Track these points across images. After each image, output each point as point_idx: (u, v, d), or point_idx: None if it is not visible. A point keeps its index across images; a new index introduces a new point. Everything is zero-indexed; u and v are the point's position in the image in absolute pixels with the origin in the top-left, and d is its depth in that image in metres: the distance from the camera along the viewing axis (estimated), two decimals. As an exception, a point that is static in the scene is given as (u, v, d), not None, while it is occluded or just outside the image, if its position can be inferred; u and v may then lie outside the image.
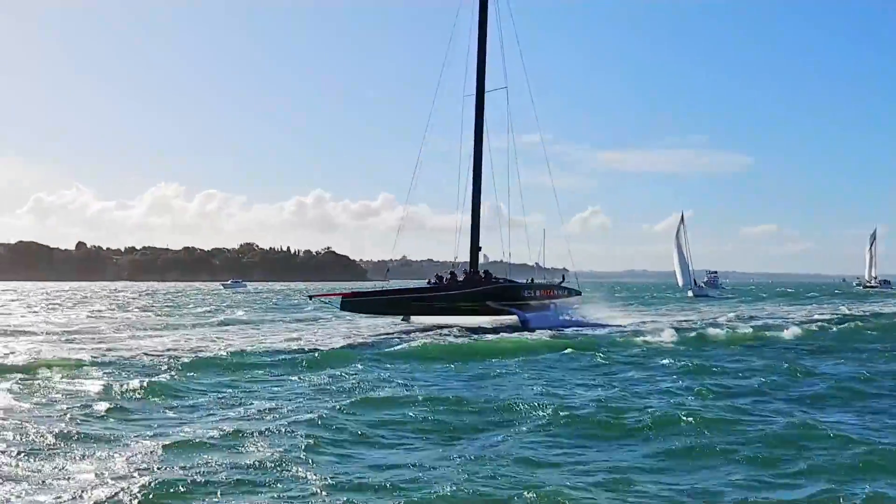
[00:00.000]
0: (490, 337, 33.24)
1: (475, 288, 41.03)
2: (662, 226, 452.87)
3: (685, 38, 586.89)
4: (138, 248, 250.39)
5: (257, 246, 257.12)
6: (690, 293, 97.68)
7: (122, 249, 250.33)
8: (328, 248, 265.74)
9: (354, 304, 39.19)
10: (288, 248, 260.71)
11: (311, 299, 41.66)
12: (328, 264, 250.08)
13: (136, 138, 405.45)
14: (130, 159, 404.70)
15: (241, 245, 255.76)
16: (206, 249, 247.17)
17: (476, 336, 33.80)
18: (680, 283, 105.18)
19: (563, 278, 49.05)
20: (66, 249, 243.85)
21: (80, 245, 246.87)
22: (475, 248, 43.40)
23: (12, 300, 77.36)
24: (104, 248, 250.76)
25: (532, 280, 46.77)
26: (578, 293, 47.83)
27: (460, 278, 41.97)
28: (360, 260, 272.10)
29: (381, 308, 40.27)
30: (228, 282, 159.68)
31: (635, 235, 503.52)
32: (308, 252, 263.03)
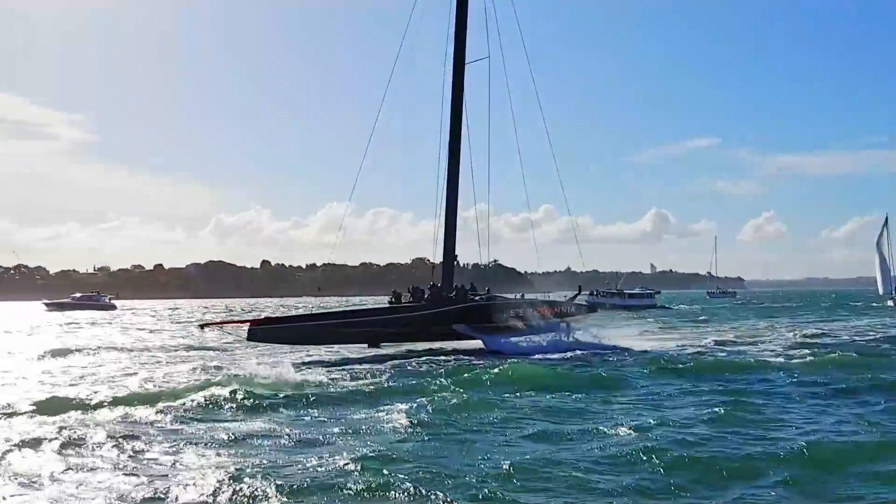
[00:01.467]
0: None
1: (434, 309, 33.12)
2: (844, 231, 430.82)
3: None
4: (318, 264, 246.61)
5: (428, 260, 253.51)
6: (891, 302, 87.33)
7: (304, 266, 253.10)
8: (495, 260, 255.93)
9: (267, 332, 30.91)
10: (457, 262, 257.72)
11: (203, 329, 34.84)
12: (496, 276, 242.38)
13: (308, 160, 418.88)
14: (303, 180, 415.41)
15: (412, 260, 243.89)
16: (381, 265, 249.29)
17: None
18: (881, 290, 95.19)
19: (580, 290, 41.34)
20: (251, 268, 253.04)
21: (265, 263, 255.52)
22: (449, 255, 36.04)
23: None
24: (286, 266, 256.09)
25: (522, 296, 38.47)
26: (593, 310, 42.28)
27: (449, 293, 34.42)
28: (526, 272, 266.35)
29: (304, 337, 31.51)
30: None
31: (814, 241, 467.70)
32: (476, 265, 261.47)
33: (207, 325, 34.40)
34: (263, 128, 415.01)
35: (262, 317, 33.44)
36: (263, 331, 30.71)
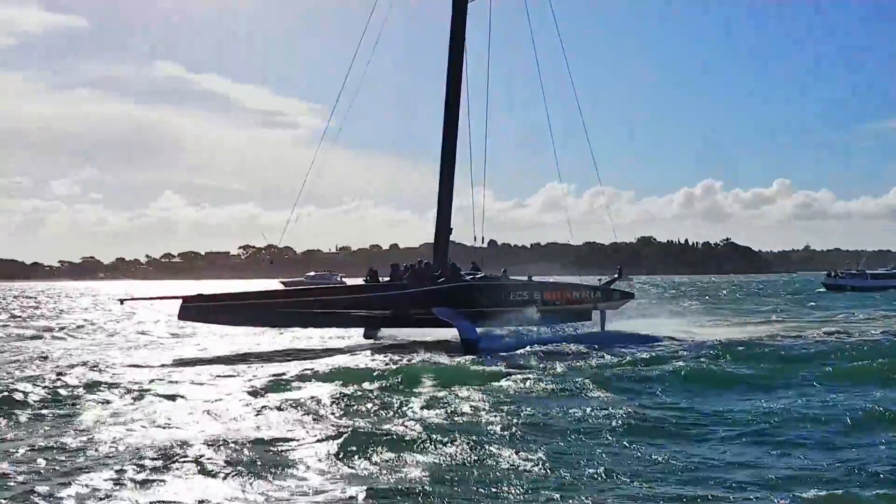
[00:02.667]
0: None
1: (409, 289, 27.67)
2: None
3: None
4: (542, 244, 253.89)
5: (654, 239, 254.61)
6: None
7: (528, 246, 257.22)
8: (727, 239, 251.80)
9: (201, 310, 26.39)
10: (686, 240, 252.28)
11: (122, 304, 33.55)
12: (727, 256, 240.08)
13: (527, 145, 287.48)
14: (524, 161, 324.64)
15: (637, 239, 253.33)
16: (604, 244, 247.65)
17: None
18: None
19: (620, 273, 33.80)
20: (480, 247, 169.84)
21: (492, 242, 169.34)
22: (443, 228, 30.08)
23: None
24: (511, 245, 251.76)
25: (529, 277, 31.78)
26: (630, 295, 33.86)
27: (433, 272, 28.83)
28: (761, 251, 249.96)
29: (246, 317, 26.97)
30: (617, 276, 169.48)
31: None
32: (707, 244, 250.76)
33: (128, 299, 30.94)
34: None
35: (195, 293, 27.83)
36: (198, 309, 26.40)
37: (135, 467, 10.28)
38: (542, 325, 29.25)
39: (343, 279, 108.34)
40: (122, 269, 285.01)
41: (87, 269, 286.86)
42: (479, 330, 27.24)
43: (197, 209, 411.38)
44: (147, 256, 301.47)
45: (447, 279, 28.27)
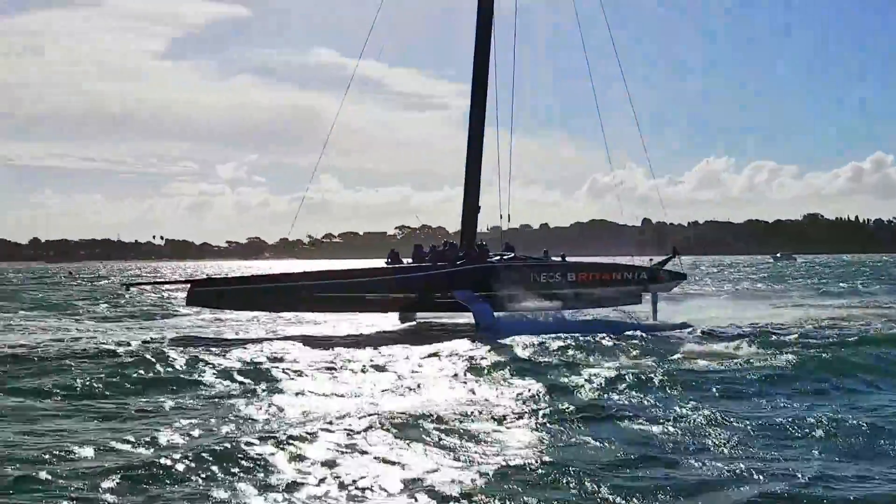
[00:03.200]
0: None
1: (430, 271, 26.44)
2: None
3: None
4: (701, 222, 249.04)
5: (821, 216, 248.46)
6: None
7: (686, 224, 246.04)
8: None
9: (211, 295, 26.12)
10: (856, 217, 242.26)
11: (127, 290, 30.70)
12: None
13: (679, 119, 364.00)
14: (679, 137, 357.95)
15: (804, 216, 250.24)
16: (768, 221, 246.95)
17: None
18: None
19: (675, 252, 29.70)
20: (632, 226, 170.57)
21: (646, 221, 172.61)
22: (471, 208, 28.47)
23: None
24: (667, 224, 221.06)
25: (563, 257, 28.97)
26: (681, 276, 30.00)
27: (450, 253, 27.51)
28: None
29: (261, 302, 26.17)
30: (778, 254, 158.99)
31: None
32: (879, 221, 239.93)
33: (133, 284, 29.68)
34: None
35: (204, 278, 27.13)
36: (207, 293, 26.14)
37: (380, 432, 10.43)
38: (576, 308, 27.25)
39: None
40: (286, 248, 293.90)
41: (253, 249, 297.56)
42: (500, 314, 25.83)
43: (353, 191, 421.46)
44: (309, 237, 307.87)
45: (469, 261, 26.83)
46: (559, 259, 28.61)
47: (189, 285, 26.56)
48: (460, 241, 28.15)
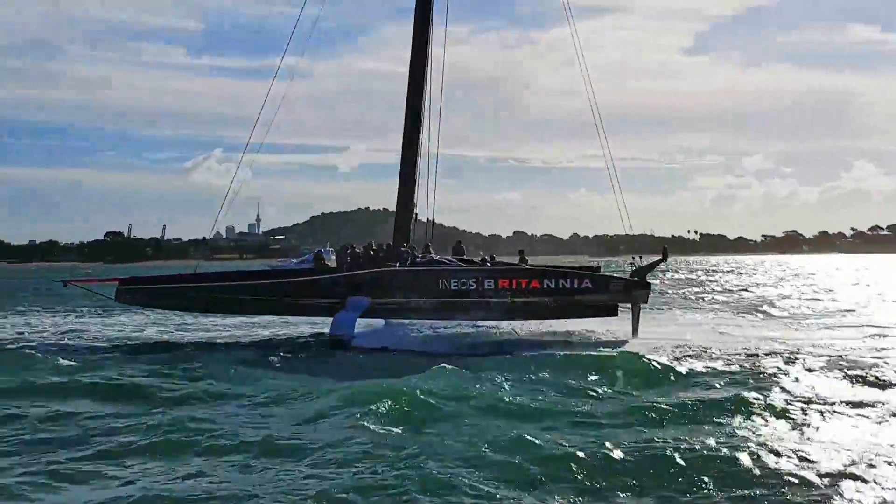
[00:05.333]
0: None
1: (331, 274, 25.94)
2: None
3: None
4: None
5: None
6: None
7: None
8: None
9: (137, 293, 26.82)
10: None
11: (65, 286, 29.39)
12: None
13: None
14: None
15: None
16: None
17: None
18: None
19: (665, 254, 26.67)
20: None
21: None
22: (404, 208, 27.92)
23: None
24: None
25: (490, 258, 27.72)
26: (643, 286, 25.78)
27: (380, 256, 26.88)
28: None
29: (182, 302, 26.94)
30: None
31: None
32: None
33: (70, 282, 30.17)
34: None
35: (130, 277, 28.38)
36: (133, 292, 26.89)
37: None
38: (514, 319, 26.05)
39: None
40: (825, 242, 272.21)
41: (789, 242, 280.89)
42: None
43: (892, 178, 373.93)
44: (852, 229, 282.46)
45: (369, 264, 26.38)
46: (480, 260, 27.60)
47: (117, 284, 27.37)
48: (393, 242, 27.97)
